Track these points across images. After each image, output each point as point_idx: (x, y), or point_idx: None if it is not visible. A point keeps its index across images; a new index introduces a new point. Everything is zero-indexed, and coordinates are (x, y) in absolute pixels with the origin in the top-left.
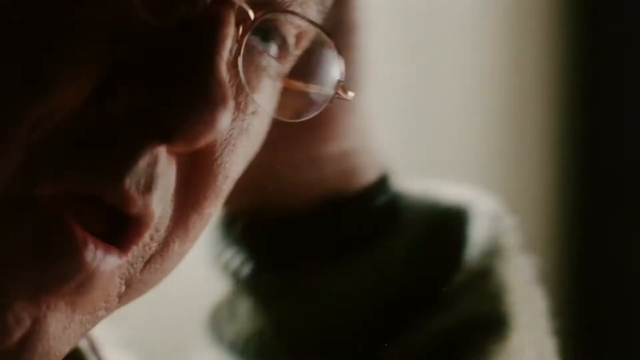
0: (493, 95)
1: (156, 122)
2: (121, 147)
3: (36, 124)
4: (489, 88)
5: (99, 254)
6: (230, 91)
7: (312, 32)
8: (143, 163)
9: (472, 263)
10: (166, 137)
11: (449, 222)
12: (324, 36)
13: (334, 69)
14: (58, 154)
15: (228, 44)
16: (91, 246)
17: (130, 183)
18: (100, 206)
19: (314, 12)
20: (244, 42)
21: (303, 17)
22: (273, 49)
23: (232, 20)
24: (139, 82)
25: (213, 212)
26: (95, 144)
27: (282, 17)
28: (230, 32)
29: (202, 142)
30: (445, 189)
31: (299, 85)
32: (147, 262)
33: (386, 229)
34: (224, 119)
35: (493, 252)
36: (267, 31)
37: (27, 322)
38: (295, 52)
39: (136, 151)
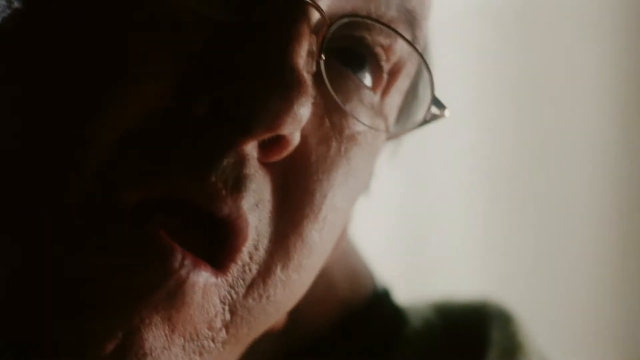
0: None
1: (235, 116)
2: (204, 144)
3: (115, 129)
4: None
5: (188, 262)
6: (306, 80)
7: (409, 64)
8: (229, 161)
9: None
10: (246, 127)
11: (465, 325)
12: (414, 54)
13: (425, 87)
14: (139, 157)
15: (303, 42)
16: (178, 254)
17: (216, 180)
18: (191, 218)
19: (405, 34)
20: (323, 46)
21: (383, 24)
22: (366, 77)
23: (304, 22)
24: (217, 80)
25: (316, 239)
26: (177, 144)
27: (367, 35)
28: (305, 32)
29: (282, 127)
30: (450, 297)
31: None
32: (250, 287)
33: (398, 337)
34: (301, 103)
35: (512, 349)
36: (359, 57)
37: (118, 334)
38: (393, 85)
39: (219, 148)
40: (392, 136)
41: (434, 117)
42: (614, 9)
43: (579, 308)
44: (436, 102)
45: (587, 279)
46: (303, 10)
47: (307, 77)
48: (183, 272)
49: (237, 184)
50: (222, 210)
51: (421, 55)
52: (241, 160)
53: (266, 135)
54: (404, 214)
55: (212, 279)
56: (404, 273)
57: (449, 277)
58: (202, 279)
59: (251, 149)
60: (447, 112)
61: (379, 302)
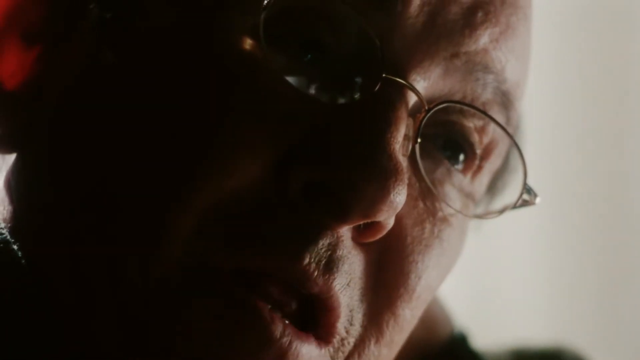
0: None
1: (331, 198)
2: (299, 225)
3: (210, 197)
4: None
5: (288, 332)
6: (403, 167)
7: (501, 144)
8: (323, 243)
9: None
10: (342, 212)
11: None
12: (506, 138)
13: (517, 172)
14: (233, 228)
15: (400, 127)
16: (279, 323)
17: (310, 262)
18: (284, 291)
19: (499, 116)
20: (419, 131)
21: (478, 109)
22: (459, 160)
23: (403, 105)
24: (313, 159)
25: (408, 316)
26: (271, 221)
27: (462, 119)
28: (403, 116)
29: (378, 215)
30: (525, 342)
31: (487, 212)
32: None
33: None
34: (398, 191)
35: None
36: (453, 144)
37: None
38: (485, 166)
39: (315, 230)
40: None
41: (525, 203)
42: None
43: None
44: (527, 188)
45: None
46: (402, 93)
47: (403, 160)
48: (285, 340)
49: (330, 265)
50: (312, 290)
51: (515, 142)
52: (335, 242)
53: (362, 222)
54: (475, 260)
55: (317, 350)
56: (476, 319)
57: (519, 323)
58: (307, 350)
59: (346, 230)
60: (538, 200)
61: (456, 346)
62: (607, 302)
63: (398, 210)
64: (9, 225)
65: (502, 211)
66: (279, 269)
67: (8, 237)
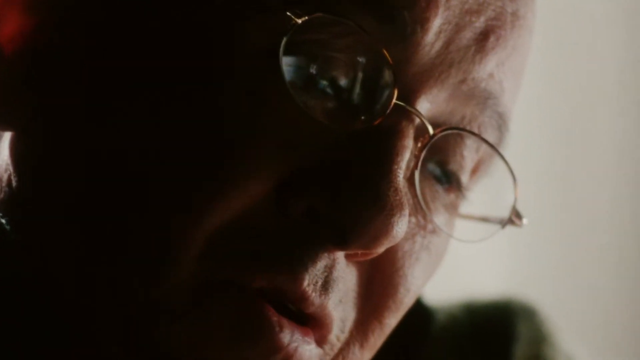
0: None
1: (333, 226)
2: (299, 247)
3: (217, 220)
4: None
5: (296, 337)
6: (406, 199)
7: (487, 163)
8: (321, 265)
9: (520, 354)
10: (342, 241)
11: (491, 321)
12: (499, 160)
13: (507, 192)
14: (237, 249)
15: (406, 156)
16: (287, 330)
17: (309, 283)
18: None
19: (493, 137)
20: (422, 157)
21: (480, 137)
22: (445, 181)
23: (411, 133)
24: (317, 187)
25: (393, 323)
26: (273, 243)
27: (458, 140)
28: (409, 145)
29: (378, 248)
30: (476, 295)
31: (471, 214)
32: None
33: (426, 335)
34: (400, 226)
35: (538, 341)
36: (443, 165)
37: None
38: (469, 185)
39: (314, 252)
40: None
41: (510, 223)
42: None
43: (601, 306)
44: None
45: (610, 277)
46: (410, 120)
47: (403, 185)
48: (292, 347)
49: (326, 286)
50: (308, 309)
51: (508, 165)
52: (332, 264)
53: (361, 252)
54: None
55: (316, 350)
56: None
57: (474, 277)
58: (308, 351)
59: (341, 253)
60: (525, 221)
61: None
62: (565, 258)
63: (397, 241)
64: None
65: (489, 235)
66: (278, 291)
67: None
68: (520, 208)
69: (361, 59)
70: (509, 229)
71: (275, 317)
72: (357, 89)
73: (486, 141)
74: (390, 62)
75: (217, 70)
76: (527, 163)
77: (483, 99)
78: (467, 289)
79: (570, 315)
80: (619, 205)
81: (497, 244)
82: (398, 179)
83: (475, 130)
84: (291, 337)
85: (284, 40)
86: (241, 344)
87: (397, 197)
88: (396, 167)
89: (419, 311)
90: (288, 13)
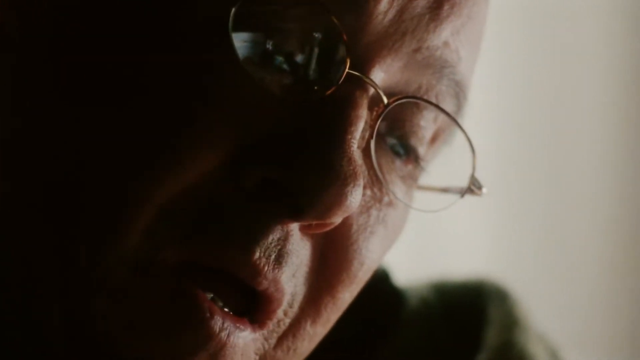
0: None
1: (287, 197)
2: (251, 219)
3: (168, 191)
4: None
5: (228, 324)
6: (361, 170)
7: (446, 132)
8: (274, 237)
9: (492, 339)
10: (296, 211)
11: (463, 303)
12: (459, 131)
13: (467, 163)
14: (187, 222)
15: (360, 126)
16: (218, 317)
17: (260, 256)
18: (230, 281)
19: (450, 106)
20: (376, 127)
21: (436, 106)
22: (402, 153)
23: (364, 103)
24: (271, 157)
25: (347, 298)
26: (225, 215)
27: (415, 110)
28: (363, 115)
29: (332, 218)
30: (448, 276)
31: (431, 186)
32: (280, 339)
33: (396, 318)
34: (355, 196)
35: (510, 325)
36: (400, 136)
37: None
38: (427, 156)
39: (267, 224)
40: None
41: (470, 192)
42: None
43: (584, 294)
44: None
45: (593, 260)
46: (364, 89)
47: (357, 155)
48: (223, 334)
49: (279, 259)
50: (261, 285)
51: (467, 136)
52: (285, 236)
53: (315, 222)
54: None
55: (251, 335)
56: (410, 255)
57: (455, 259)
58: (242, 338)
59: (295, 225)
60: (484, 190)
61: (377, 283)
62: (546, 239)
63: (352, 212)
64: None
65: (448, 204)
66: (229, 263)
67: None
68: (502, 189)
69: (314, 29)
70: (492, 209)
71: (206, 304)
72: (310, 59)
73: (443, 110)
74: (342, 31)
75: (168, 41)
76: (511, 145)
77: (439, 67)
78: (448, 270)
79: (551, 298)
80: (603, 187)
81: (479, 226)
82: (352, 149)
83: (433, 100)
84: (222, 324)
85: (233, 10)
86: (171, 331)
87: (351, 167)
88: (349, 137)
89: (390, 293)
90: None
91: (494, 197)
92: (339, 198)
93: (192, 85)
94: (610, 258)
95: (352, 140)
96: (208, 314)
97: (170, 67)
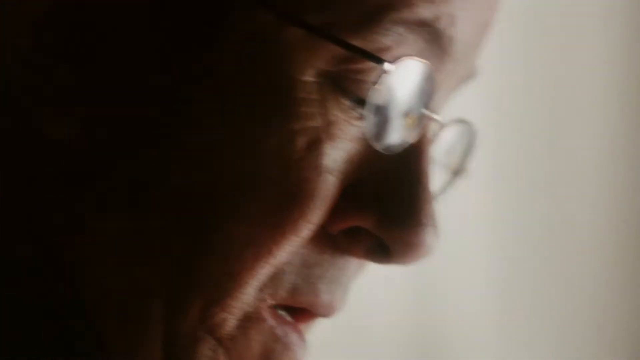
0: None
1: (371, 240)
2: (338, 267)
3: (286, 251)
4: None
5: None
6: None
7: None
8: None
9: None
10: (384, 256)
11: None
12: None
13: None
14: (290, 275)
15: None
16: (303, 340)
17: (340, 297)
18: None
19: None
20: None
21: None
22: None
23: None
24: (363, 206)
25: None
26: (316, 264)
27: None
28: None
29: (415, 261)
30: None
31: None
32: None
33: None
34: (436, 239)
35: None
36: None
37: None
38: None
39: (347, 268)
40: None
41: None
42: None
43: (584, 293)
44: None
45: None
46: (430, 124)
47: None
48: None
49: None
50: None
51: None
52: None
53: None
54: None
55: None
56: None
57: (456, 259)
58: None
59: None
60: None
61: None
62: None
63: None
64: None
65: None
66: (313, 308)
67: None
68: (502, 187)
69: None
70: (492, 208)
71: (300, 332)
72: (405, 114)
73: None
74: (435, 89)
75: (283, 114)
76: (510, 145)
77: (470, 78)
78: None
79: (551, 297)
80: (603, 188)
81: (480, 223)
82: (432, 205)
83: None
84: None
85: (373, 88)
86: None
87: (432, 211)
88: (429, 179)
89: None
90: (384, 62)
91: (494, 196)
92: (425, 248)
93: (313, 153)
94: (610, 257)
95: (429, 184)
96: (302, 338)
97: (295, 135)
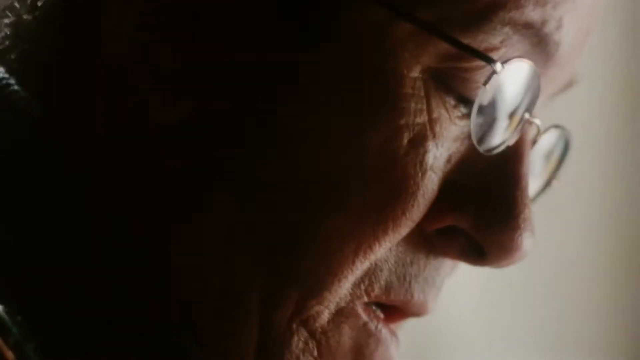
0: None
1: (465, 240)
2: (432, 268)
3: (386, 247)
4: None
5: (386, 330)
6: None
7: None
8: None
9: None
10: (479, 257)
11: None
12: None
13: None
14: (383, 274)
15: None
16: (396, 337)
17: (434, 298)
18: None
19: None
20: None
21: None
22: None
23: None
24: (461, 206)
25: None
26: (413, 263)
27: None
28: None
29: (511, 264)
30: None
31: None
32: None
33: None
34: (530, 242)
35: None
36: None
37: None
38: None
39: (441, 269)
40: None
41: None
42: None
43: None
44: None
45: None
46: (528, 128)
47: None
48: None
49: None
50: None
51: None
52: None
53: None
54: None
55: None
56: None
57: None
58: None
59: None
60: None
61: None
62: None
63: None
64: None
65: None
66: (405, 307)
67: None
68: None
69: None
70: None
71: (393, 332)
72: (509, 116)
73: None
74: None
75: (394, 123)
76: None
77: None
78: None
79: (551, 297)
80: (602, 186)
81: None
82: (530, 209)
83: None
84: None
85: (481, 88)
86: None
87: (530, 214)
88: (527, 182)
89: None
90: (495, 63)
91: None
92: (520, 245)
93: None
94: (610, 258)
95: (528, 184)
96: (394, 335)
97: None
